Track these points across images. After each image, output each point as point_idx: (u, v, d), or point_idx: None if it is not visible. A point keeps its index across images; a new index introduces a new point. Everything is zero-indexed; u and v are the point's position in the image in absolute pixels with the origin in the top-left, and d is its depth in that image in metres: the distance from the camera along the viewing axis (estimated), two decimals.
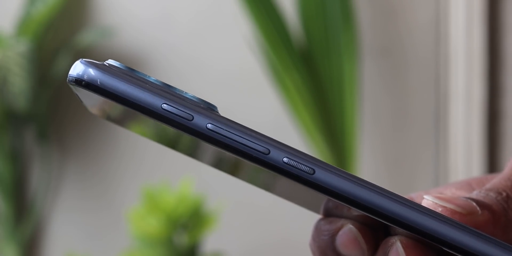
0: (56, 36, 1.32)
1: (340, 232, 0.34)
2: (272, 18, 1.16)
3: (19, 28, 1.27)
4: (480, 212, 0.33)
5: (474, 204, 0.34)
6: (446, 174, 1.23)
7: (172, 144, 0.37)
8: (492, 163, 1.21)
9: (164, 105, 0.31)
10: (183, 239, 1.11)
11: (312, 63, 1.17)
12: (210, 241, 1.21)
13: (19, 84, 1.22)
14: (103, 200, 1.33)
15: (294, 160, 0.31)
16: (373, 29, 1.27)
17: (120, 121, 0.37)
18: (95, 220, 1.34)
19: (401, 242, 0.33)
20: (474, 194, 0.35)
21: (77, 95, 0.33)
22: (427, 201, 0.34)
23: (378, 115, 1.28)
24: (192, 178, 1.14)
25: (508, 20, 1.19)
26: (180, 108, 0.31)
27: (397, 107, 1.27)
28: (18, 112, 1.25)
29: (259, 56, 1.19)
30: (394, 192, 0.32)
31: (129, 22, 1.31)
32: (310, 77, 1.16)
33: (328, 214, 0.36)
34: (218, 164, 0.39)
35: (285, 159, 0.31)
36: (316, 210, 0.37)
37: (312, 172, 0.31)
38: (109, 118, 0.37)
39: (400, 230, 0.32)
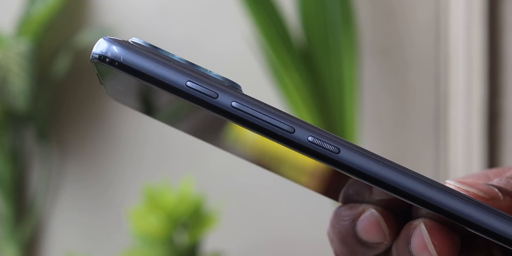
0: (56, 36, 1.32)
1: (362, 217, 0.34)
2: (272, 18, 1.16)
3: (19, 28, 1.27)
4: (502, 198, 0.33)
5: (496, 190, 0.34)
6: (446, 174, 1.23)
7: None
8: (492, 163, 1.21)
9: (189, 82, 0.31)
10: (183, 238, 1.11)
11: (312, 63, 1.17)
12: (211, 240, 1.21)
13: (19, 84, 1.22)
14: (103, 200, 1.33)
15: (319, 139, 0.31)
16: (373, 29, 1.27)
17: (137, 104, 0.36)
18: (95, 219, 1.33)
19: (425, 224, 0.32)
20: (495, 181, 0.35)
21: (98, 75, 0.33)
22: (450, 185, 0.34)
23: (378, 115, 1.27)
24: (192, 177, 1.14)
25: (508, 20, 1.19)
26: (205, 86, 0.31)
27: (397, 107, 1.27)
28: (18, 112, 1.25)
29: (259, 56, 1.19)
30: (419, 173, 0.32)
31: (129, 21, 1.31)
32: (310, 76, 1.16)
33: (347, 201, 0.35)
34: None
35: (310, 138, 0.31)
36: (331, 196, 0.37)
37: (337, 151, 0.31)
38: (126, 101, 0.37)
39: (424, 212, 0.32)
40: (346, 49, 1.15)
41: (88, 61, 1.34)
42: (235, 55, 1.28)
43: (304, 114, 1.15)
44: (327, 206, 1.20)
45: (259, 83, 1.24)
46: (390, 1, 1.27)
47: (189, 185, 1.11)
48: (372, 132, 1.27)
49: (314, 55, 1.17)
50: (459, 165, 1.21)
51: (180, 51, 1.29)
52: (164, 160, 1.31)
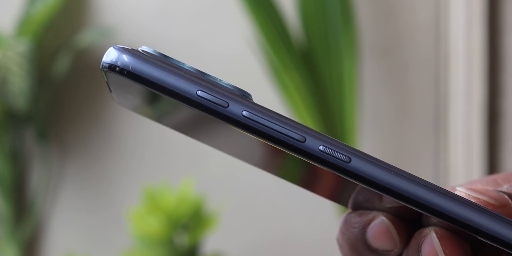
0: (56, 36, 1.32)
1: (372, 224, 0.34)
2: (272, 18, 1.16)
3: (19, 28, 1.27)
4: None
5: (506, 197, 0.33)
6: (446, 174, 1.23)
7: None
8: (492, 163, 1.21)
9: (199, 92, 0.31)
10: (183, 240, 1.11)
11: (312, 63, 1.17)
12: (211, 241, 1.21)
13: (19, 84, 1.22)
14: (103, 200, 1.33)
15: (330, 148, 0.31)
16: (373, 29, 1.27)
17: (146, 111, 0.37)
18: (95, 220, 1.33)
19: (436, 232, 0.32)
20: (505, 188, 0.35)
21: (107, 83, 0.33)
22: (460, 192, 0.33)
23: (378, 115, 1.27)
24: (192, 178, 1.14)
25: (508, 20, 1.19)
26: (215, 95, 0.31)
27: (397, 107, 1.27)
28: (18, 112, 1.25)
29: (259, 56, 1.19)
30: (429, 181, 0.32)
31: (129, 21, 1.31)
32: (310, 76, 1.16)
33: (357, 208, 0.35)
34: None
35: (321, 147, 0.31)
36: (340, 202, 0.37)
37: (348, 160, 0.31)
38: (136, 108, 0.37)
39: (434, 220, 0.32)
40: (346, 49, 1.15)
41: (88, 61, 1.34)
42: (235, 55, 1.28)
43: (304, 114, 1.15)
44: (327, 207, 1.20)
45: (259, 83, 1.24)
46: (390, 1, 1.27)
47: (189, 186, 1.11)
48: (372, 132, 1.27)
49: (314, 55, 1.17)
50: (459, 165, 1.21)
51: (180, 51, 1.29)
52: (164, 161, 1.31)
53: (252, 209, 1.31)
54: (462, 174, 1.20)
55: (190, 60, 1.30)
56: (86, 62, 1.30)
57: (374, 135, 1.27)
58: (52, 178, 1.33)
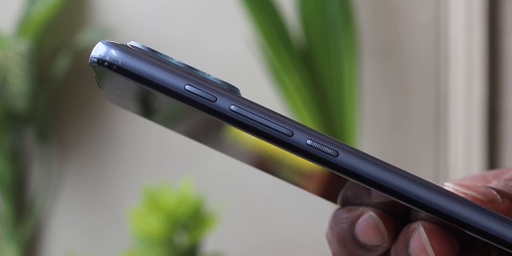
0: (56, 36, 1.32)
1: (360, 219, 0.34)
2: (272, 18, 1.16)
3: (19, 28, 1.27)
4: (500, 200, 0.33)
5: (495, 192, 0.34)
6: (446, 174, 1.23)
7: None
8: (492, 163, 1.21)
9: (187, 86, 0.31)
10: (183, 239, 1.11)
11: (312, 63, 1.17)
12: (210, 241, 1.21)
13: (19, 84, 1.22)
14: (103, 200, 1.33)
15: (317, 142, 0.31)
16: (373, 29, 1.27)
17: (135, 107, 0.37)
18: (95, 220, 1.33)
19: (424, 227, 0.32)
20: (494, 184, 0.35)
21: (96, 79, 0.33)
22: (448, 188, 0.34)
23: (378, 115, 1.27)
24: (192, 178, 1.14)
25: (508, 20, 1.19)
26: (203, 90, 0.31)
27: (397, 107, 1.27)
28: (18, 112, 1.25)
29: (259, 56, 1.19)
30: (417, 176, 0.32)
31: (129, 21, 1.31)
32: (310, 77, 1.16)
33: (346, 203, 0.35)
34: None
35: (308, 141, 0.31)
36: (330, 198, 0.37)
37: (335, 154, 0.31)
38: (125, 104, 0.37)
39: (422, 215, 0.32)
40: (346, 49, 1.15)
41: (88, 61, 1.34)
42: (235, 55, 1.28)
43: (304, 114, 1.15)
44: (327, 207, 1.20)
45: (259, 84, 1.24)
46: (390, 1, 1.27)
47: (189, 186, 1.11)
48: (372, 132, 1.27)
49: (314, 55, 1.17)
50: (459, 165, 1.21)
51: (180, 51, 1.29)
52: (164, 160, 1.31)
53: (252, 209, 1.31)
54: (462, 174, 1.20)
55: (190, 60, 1.30)
56: (86, 62, 1.30)
57: (374, 135, 1.27)
58: (52, 178, 1.33)
